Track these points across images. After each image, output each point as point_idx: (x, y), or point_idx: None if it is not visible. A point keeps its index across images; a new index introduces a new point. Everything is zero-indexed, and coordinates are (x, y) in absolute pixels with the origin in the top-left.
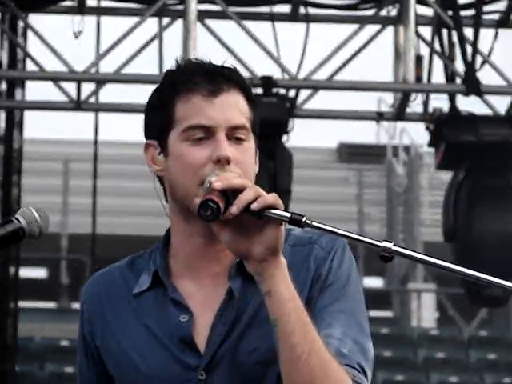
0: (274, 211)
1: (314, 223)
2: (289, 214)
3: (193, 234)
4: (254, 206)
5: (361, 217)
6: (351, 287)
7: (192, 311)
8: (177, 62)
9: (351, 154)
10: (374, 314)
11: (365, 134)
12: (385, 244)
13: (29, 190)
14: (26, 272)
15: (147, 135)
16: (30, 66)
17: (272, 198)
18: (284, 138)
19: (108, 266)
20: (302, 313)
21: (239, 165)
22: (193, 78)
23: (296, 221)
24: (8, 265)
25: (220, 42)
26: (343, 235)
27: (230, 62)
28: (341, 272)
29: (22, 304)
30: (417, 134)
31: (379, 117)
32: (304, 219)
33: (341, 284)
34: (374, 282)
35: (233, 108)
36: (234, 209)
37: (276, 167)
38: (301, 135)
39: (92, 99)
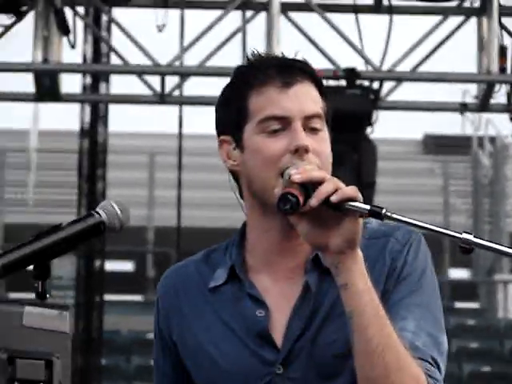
0: (353, 203)
1: (393, 215)
2: (368, 207)
3: (270, 229)
4: (333, 199)
5: (446, 208)
6: (426, 280)
7: (268, 306)
8: (247, 57)
9: (437, 145)
10: (460, 305)
11: (450, 125)
12: (465, 235)
13: (114, 183)
14: (112, 265)
15: (220, 131)
16: (115, 60)
17: (351, 190)
18: (368, 129)
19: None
20: (378, 306)
21: (317, 154)
22: (265, 70)
23: (375, 213)
24: (93, 258)
25: (303, 35)
26: (423, 227)
27: (313, 54)
28: (416, 265)
29: (108, 297)
30: (502, 125)
31: (463, 108)
32: (383, 211)
33: (416, 277)
34: (461, 274)
35: (307, 98)
36: (314, 201)
37: (360, 159)
38: (386, 127)
39: (176, 92)
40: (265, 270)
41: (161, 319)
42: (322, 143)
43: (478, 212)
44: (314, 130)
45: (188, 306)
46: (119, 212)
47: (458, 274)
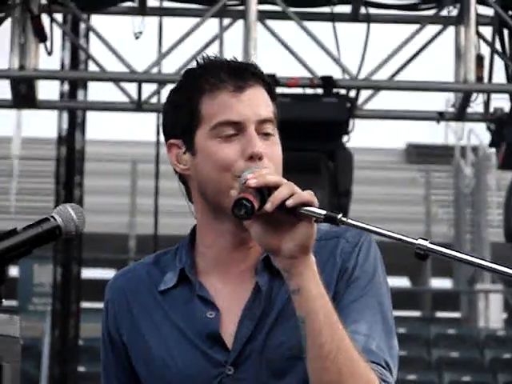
0: (309, 208)
1: (349, 221)
2: (324, 212)
3: (222, 232)
4: (289, 203)
5: (428, 218)
6: (377, 282)
7: (219, 307)
8: (197, 61)
9: (419, 154)
10: (441, 314)
11: (433, 135)
12: (420, 241)
13: (95, 191)
14: (93, 273)
15: (169, 135)
16: (92, 67)
17: (307, 194)
18: (345, 138)
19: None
20: (331, 311)
21: (270, 159)
22: (217, 74)
23: (331, 218)
24: (71, 265)
25: (280, 43)
26: (379, 233)
27: (290, 62)
28: (367, 266)
29: (89, 305)
30: (485, 135)
31: (440, 117)
32: (339, 217)
33: (367, 279)
34: (442, 283)
35: (260, 102)
36: (269, 206)
37: (336, 168)
38: (368, 136)
39: (154, 99)
40: (215, 273)
41: (110, 322)
42: (274, 147)
43: (460, 222)
44: (266, 135)
45: (137, 308)
46: (75, 217)
47: (440, 283)
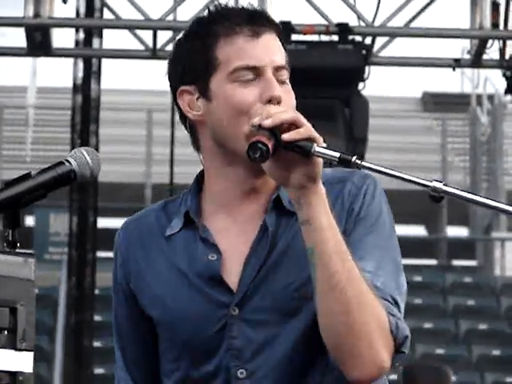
0: (323, 150)
1: (363, 163)
2: (338, 154)
3: (233, 179)
4: (301, 144)
5: (444, 166)
6: (384, 221)
7: (221, 250)
8: (209, 9)
9: (435, 103)
10: (457, 262)
11: (449, 83)
12: (434, 184)
13: (111, 140)
14: (110, 222)
15: (179, 82)
16: (108, 15)
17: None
18: (360, 85)
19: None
20: (340, 242)
21: (286, 106)
22: (234, 19)
23: (345, 160)
24: (87, 214)
25: None
26: (393, 175)
27: (306, 10)
28: (373, 206)
29: (105, 254)
30: (500, 83)
31: (456, 63)
32: (354, 159)
33: (373, 218)
34: (458, 231)
35: (276, 49)
36: (286, 136)
37: (352, 114)
38: (384, 85)
39: (169, 47)
40: (223, 215)
41: (119, 269)
42: (289, 95)
43: (476, 170)
44: (281, 83)
45: (143, 255)
46: (90, 160)
47: (456, 231)
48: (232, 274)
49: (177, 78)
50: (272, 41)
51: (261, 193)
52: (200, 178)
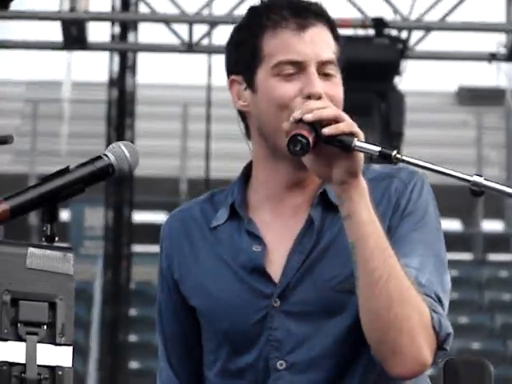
0: (364, 145)
1: (404, 157)
2: (378, 148)
3: (278, 169)
4: (338, 137)
5: (480, 160)
6: (430, 218)
7: (265, 241)
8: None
9: (471, 97)
10: (493, 257)
11: (484, 78)
12: (475, 178)
13: (146, 133)
14: (145, 216)
15: (231, 71)
16: (143, 9)
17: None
18: (396, 79)
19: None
20: (382, 237)
21: (329, 98)
22: (280, 12)
23: (386, 155)
24: (122, 209)
25: None
26: (434, 170)
27: (342, 4)
28: (420, 203)
29: (140, 248)
30: None
31: (491, 57)
32: (394, 153)
33: (419, 215)
34: (494, 225)
35: (322, 43)
36: (327, 130)
37: (388, 108)
38: (420, 80)
39: (205, 41)
40: (268, 208)
41: (163, 260)
42: (334, 88)
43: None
44: (327, 75)
45: (189, 246)
46: (128, 155)
47: (491, 225)
48: (275, 266)
49: (228, 67)
50: (319, 34)
51: (306, 187)
52: (248, 168)
